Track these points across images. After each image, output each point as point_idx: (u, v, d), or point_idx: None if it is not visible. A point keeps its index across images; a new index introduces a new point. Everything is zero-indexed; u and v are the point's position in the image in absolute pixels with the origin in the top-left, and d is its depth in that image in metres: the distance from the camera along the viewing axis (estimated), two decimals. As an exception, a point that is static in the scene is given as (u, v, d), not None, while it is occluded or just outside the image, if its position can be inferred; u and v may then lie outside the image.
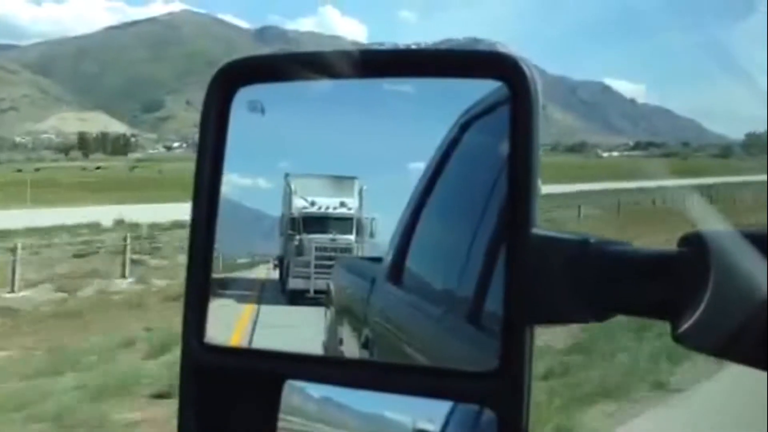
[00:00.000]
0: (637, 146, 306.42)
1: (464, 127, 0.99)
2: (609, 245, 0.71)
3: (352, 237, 1.38)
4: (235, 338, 0.99)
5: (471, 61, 0.85)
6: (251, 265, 1.21)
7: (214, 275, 0.94)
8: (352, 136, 1.08)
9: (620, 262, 0.69)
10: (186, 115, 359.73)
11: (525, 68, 0.76)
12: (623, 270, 0.69)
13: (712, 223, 0.70)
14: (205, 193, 0.91)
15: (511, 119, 0.76)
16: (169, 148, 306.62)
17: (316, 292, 1.22)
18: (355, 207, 1.31)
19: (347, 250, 1.40)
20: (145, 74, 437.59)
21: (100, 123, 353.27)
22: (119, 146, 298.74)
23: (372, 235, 1.23)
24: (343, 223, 1.45)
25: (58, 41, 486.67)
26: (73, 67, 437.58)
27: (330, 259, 1.38)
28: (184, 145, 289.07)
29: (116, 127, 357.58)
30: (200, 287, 0.90)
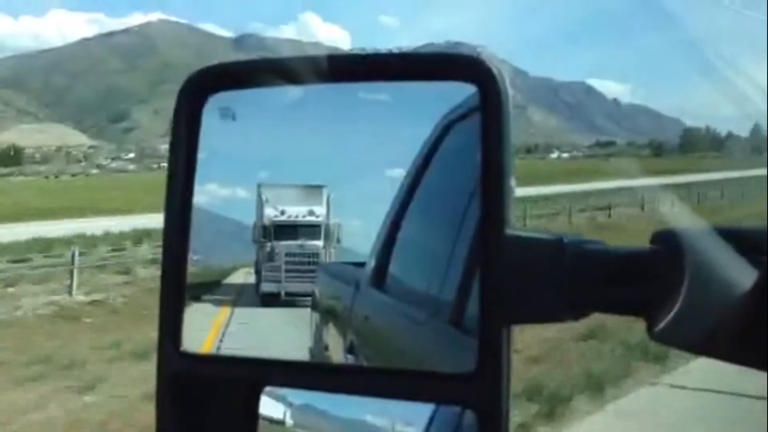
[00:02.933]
0: (596, 146, 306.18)
1: (446, 130, 0.98)
2: (583, 244, 0.71)
3: (320, 243, 1.46)
4: (212, 334, 1.02)
5: (438, 63, 0.84)
6: (233, 272, 1.27)
7: (194, 281, 0.94)
8: (326, 143, 1.08)
9: (595, 260, 0.70)
10: (151, 125, 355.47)
11: (492, 68, 0.76)
12: (598, 268, 0.69)
13: (682, 219, 0.71)
14: (178, 200, 0.90)
15: (481, 120, 0.76)
16: (114, 158, 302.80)
17: (286, 294, 1.28)
18: (323, 214, 1.39)
19: (315, 255, 1.49)
20: (117, 85, 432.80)
21: (60, 135, 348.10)
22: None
23: (339, 240, 1.29)
24: (312, 229, 1.53)
25: (30, 54, 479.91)
26: (44, 79, 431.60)
27: (299, 263, 1.45)
28: (131, 155, 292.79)
29: (77, 138, 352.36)
30: (175, 295, 0.89)
